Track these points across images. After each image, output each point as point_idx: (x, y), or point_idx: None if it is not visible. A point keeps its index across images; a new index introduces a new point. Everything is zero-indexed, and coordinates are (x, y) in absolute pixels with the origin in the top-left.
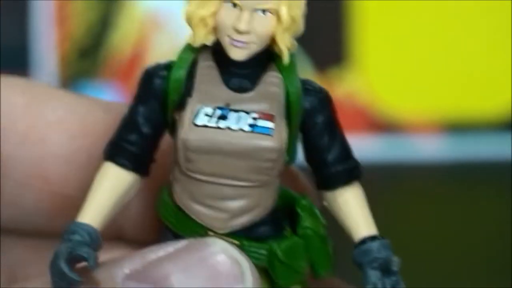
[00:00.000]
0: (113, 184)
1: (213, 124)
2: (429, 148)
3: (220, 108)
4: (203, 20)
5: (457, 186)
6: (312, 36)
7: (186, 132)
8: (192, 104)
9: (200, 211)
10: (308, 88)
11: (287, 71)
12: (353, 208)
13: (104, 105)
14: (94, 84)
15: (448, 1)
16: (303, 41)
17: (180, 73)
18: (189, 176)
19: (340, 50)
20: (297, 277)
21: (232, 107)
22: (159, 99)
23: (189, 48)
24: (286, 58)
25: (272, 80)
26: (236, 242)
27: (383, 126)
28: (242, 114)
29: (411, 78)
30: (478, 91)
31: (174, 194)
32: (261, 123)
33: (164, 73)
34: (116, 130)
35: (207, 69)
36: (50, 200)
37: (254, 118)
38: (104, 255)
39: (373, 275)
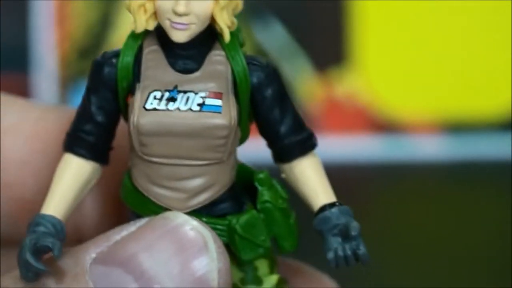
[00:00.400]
0: (74, 174)
1: (162, 107)
2: (429, 148)
3: (168, 90)
4: (142, 6)
5: (457, 186)
6: (312, 36)
7: (137, 117)
8: (141, 89)
9: (158, 193)
10: (254, 63)
11: (231, 49)
12: (310, 178)
13: (55, 110)
14: None
15: (448, 1)
16: (303, 41)
17: (126, 60)
18: (145, 159)
19: (340, 50)
20: (258, 251)
21: (180, 88)
22: (110, 87)
23: (134, 35)
24: (226, 36)
25: (217, 59)
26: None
27: (383, 126)
28: (191, 94)
29: (411, 78)
30: (478, 91)
31: (133, 178)
32: (210, 101)
33: (113, 61)
34: (72, 122)
35: (152, 54)
36: (11, 205)
37: (202, 97)
38: None
39: (334, 241)
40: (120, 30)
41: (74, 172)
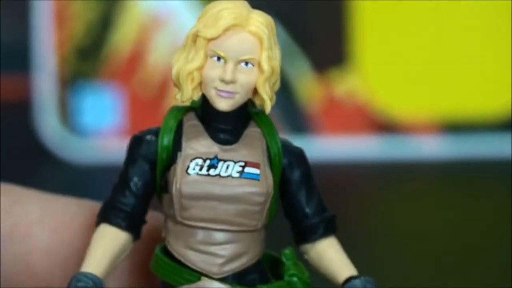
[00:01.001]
0: (109, 243)
1: (204, 172)
2: (429, 148)
3: (209, 159)
4: (190, 74)
5: (456, 185)
6: (312, 37)
7: (179, 181)
8: (182, 157)
9: (195, 258)
10: (285, 145)
11: (266, 126)
12: (334, 255)
13: (77, 202)
14: (94, 85)
15: (448, 1)
16: (303, 42)
17: (167, 140)
18: (184, 224)
19: (340, 50)
20: None
21: (220, 157)
22: (149, 162)
23: (174, 111)
24: (267, 108)
25: (254, 134)
26: (229, 286)
27: (383, 126)
28: (230, 163)
29: (411, 78)
30: (478, 91)
31: (168, 246)
32: (249, 170)
33: (153, 138)
34: (110, 195)
35: (193, 127)
36: None
37: (241, 166)
38: None
39: None
40: (120, 31)
41: (110, 241)
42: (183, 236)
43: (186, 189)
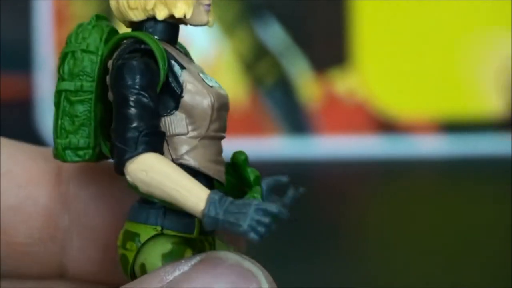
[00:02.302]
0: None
1: (215, 84)
2: (429, 147)
3: (201, 72)
4: None
5: (456, 184)
6: (312, 37)
7: (207, 94)
8: (191, 73)
9: (217, 168)
10: None
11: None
12: None
13: (45, 154)
14: None
15: (447, 1)
16: (303, 41)
17: (163, 63)
18: (210, 137)
19: (340, 50)
20: None
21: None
22: (157, 79)
23: (149, 37)
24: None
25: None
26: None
27: (382, 125)
28: (207, 75)
29: (411, 77)
30: (478, 90)
31: (192, 163)
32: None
33: (153, 63)
34: (133, 122)
35: (169, 48)
36: (3, 249)
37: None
38: None
39: None
40: (121, 30)
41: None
42: (205, 150)
43: (216, 100)
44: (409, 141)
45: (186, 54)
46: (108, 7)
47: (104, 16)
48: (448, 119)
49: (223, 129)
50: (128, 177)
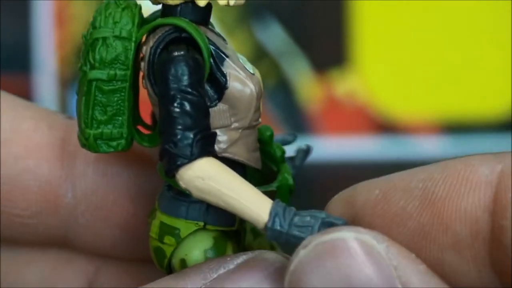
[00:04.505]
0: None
1: (252, 71)
2: (429, 148)
3: (240, 58)
4: None
5: None
6: (312, 38)
7: (251, 84)
8: (233, 60)
9: (256, 157)
10: None
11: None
12: None
13: (50, 120)
14: None
15: (447, 1)
16: (303, 42)
17: (207, 54)
18: (252, 126)
19: (340, 51)
20: None
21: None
22: (203, 73)
23: (190, 25)
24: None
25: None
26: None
27: (383, 126)
28: (242, 57)
29: (411, 79)
30: (478, 91)
31: (231, 156)
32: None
33: (199, 56)
34: (183, 125)
35: (208, 34)
36: (1, 218)
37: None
38: (46, 263)
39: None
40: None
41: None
42: (246, 140)
43: (258, 89)
44: (409, 142)
45: (218, 34)
46: None
47: None
48: (449, 121)
49: (260, 116)
50: (182, 183)
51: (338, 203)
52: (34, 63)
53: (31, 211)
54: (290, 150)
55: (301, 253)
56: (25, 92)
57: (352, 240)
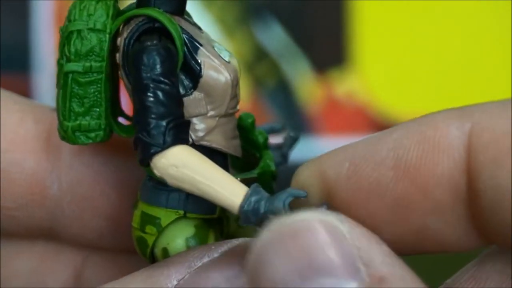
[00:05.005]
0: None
1: (227, 59)
2: None
3: (213, 46)
4: None
5: None
6: (312, 38)
7: (226, 72)
8: (206, 48)
9: (235, 144)
10: None
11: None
12: None
13: (36, 113)
14: None
15: (447, 1)
16: (303, 43)
17: (177, 27)
18: (229, 114)
19: (340, 51)
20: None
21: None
22: (175, 61)
23: (161, 14)
24: None
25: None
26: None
27: (382, 126)
28: (220, 47)
29: (411, 79)
30: (478, 92)
31: (208, 144)
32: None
33: (171, 45)
34: (156, 114)
35: (183, 23)
36: None
37: (225, 50)
38: (33, 254)
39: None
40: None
41: (203, 157)
42: (224, 128)
43: (234, 77)
44: None
45: (194, 23)
46: None
47: None
48: None
49: (238, 103)
50: (156, 171)
51: (307, 176)
52: (34, 63)
53: (18, 204)
54: (279, 139)
55: (265, 234)
56: (25, 92)
57: (315, 221)
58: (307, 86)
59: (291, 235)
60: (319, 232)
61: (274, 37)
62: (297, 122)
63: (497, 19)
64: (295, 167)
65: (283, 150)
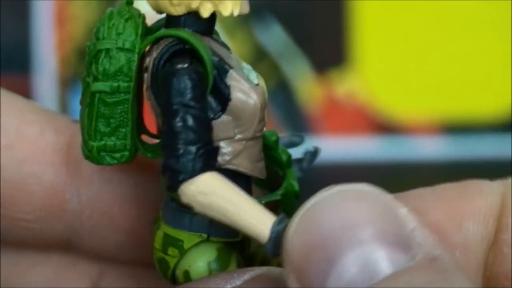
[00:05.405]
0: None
1: (256, 82)
2: (429, 149)
3: (242, 68)
4: None
5: None
6: (312, 38)
7: (255, 95)
8: (236, 71)
9: (260, 166)
10: None
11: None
12: None
13: (56, 124)
14: None
15: (447, 1)
16: (303, 43)
17: (207, 50)
18: (256, 137)
19: (340, 51)
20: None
21: (244, 66)
22: (205, 86)
23: (191, 35)
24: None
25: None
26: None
27: (383, 126)
28: (250, 71)
29: (411, 79)
30: (478, 92)
31: (235, 167)
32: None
33: (200, 68)
34: (185, 140)
35: (212, 43)
36: (3, 222)
37: (253, 72)
38: (50, 266)
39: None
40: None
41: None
42: (250, 151)
43: (262, 100)
44: (409, 143)
45: (222, 43)
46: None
47: (131, 1)
48: (449, 121)
49: (264, 126)
50: (184, 198)
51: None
52: (34, 63)
53: (36, 216)
54: (298, 152)
55: (321, 195)
56: (25, 92)
57: (379, 193)
58: (307, 86)
59: (354, 198)
60: (383, 199)
61: (274, 37)
62: (297, 122)
63: (497, 20)
64: None
65: (303, 165)
